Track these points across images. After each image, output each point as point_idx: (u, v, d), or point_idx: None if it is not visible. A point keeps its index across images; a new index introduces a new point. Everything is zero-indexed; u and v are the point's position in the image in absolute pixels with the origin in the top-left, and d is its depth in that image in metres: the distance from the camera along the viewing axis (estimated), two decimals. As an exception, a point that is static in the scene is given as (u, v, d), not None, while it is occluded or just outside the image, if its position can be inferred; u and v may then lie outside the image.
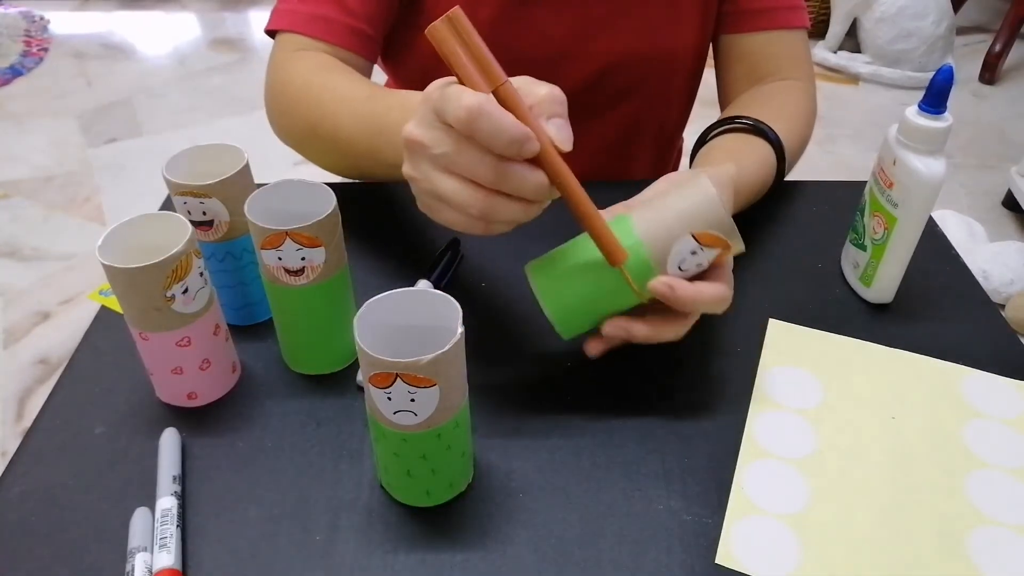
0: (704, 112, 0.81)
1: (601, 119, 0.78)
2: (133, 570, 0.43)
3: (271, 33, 0.69)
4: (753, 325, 0.60)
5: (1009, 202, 1.87)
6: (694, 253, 0.48)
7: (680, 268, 0.49)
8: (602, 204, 0.72)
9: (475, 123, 0.40)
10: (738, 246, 0.49)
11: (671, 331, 0.50)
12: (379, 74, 0.83)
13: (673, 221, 0.48)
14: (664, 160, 0.86)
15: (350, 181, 0.86)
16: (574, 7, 0.71)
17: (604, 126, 0.79)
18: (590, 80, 0.74)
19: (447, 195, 0.43)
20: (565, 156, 0.44)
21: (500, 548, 0.45)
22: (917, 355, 0.58)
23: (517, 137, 0.40)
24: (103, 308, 0.61)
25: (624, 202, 0.53)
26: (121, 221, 0.48)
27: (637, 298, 0.49)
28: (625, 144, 0.81)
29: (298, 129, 0.66)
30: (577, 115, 0.77)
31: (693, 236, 0.48)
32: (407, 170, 0.46)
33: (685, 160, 0.93)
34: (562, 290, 0.50)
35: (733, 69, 0.78)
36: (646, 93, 0.78)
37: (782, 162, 0.67)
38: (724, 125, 0.68)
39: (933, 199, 0.56)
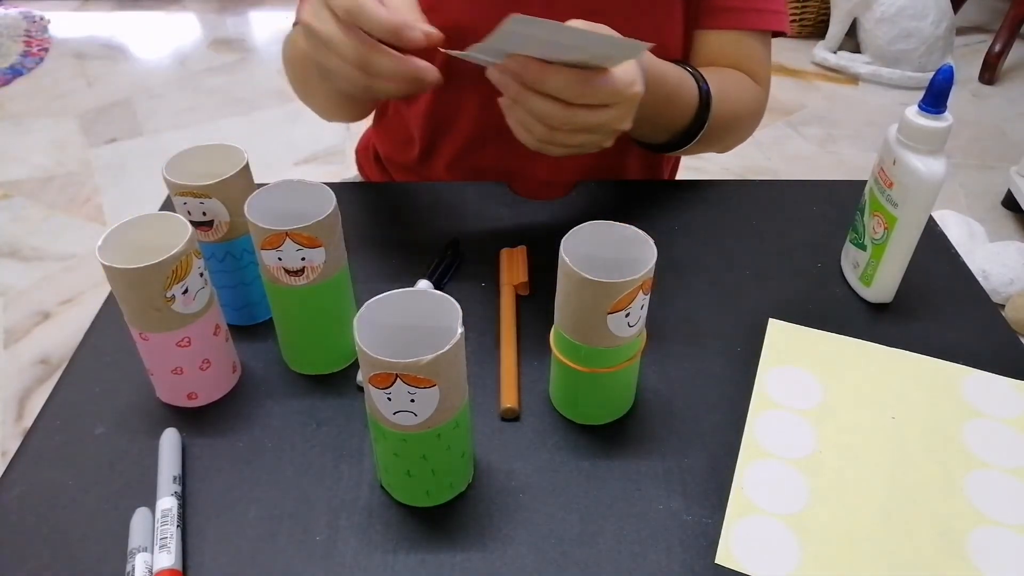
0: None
1: None
2: (133, 570, 0.43)
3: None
4: (753, 325, 0.60)
5: (1009, 202, 1.87)
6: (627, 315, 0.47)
7: (630, 325, 0.48)
8: (599, 204, 0.73)
9: (355, 17, 0.49)
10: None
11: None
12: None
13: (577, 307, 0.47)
14: (655, 159, 0.86)
15: (350, 181, 0.87)
16: (565, 2, 0.71)
17: None
18: None
19: (329, 71, 0.53)
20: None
21: (500, 548, 0.45)
22: (917, 355, 0.58)
23: (393, 27, 0.49)
24: (103, 308, 0.61)
25: None
26: (121, 221, 0.48)
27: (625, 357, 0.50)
28: (622, 140, 0.81)
29: (295, 77, 0.75)
30: None
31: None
32: (303, 45, 0.54)
33: (681, 161, 0.93)
34: (579, 410, 0.53)
35: (697, 64, 0.78)
36: None
37: (704, 111, 0.68)
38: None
39: (933, 199, 0.56)
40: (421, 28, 0.50)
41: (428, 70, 0.53)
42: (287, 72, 0.76)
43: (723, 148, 0.79)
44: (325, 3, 0.51)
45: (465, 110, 0.76)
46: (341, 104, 0.73)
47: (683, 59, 0.79)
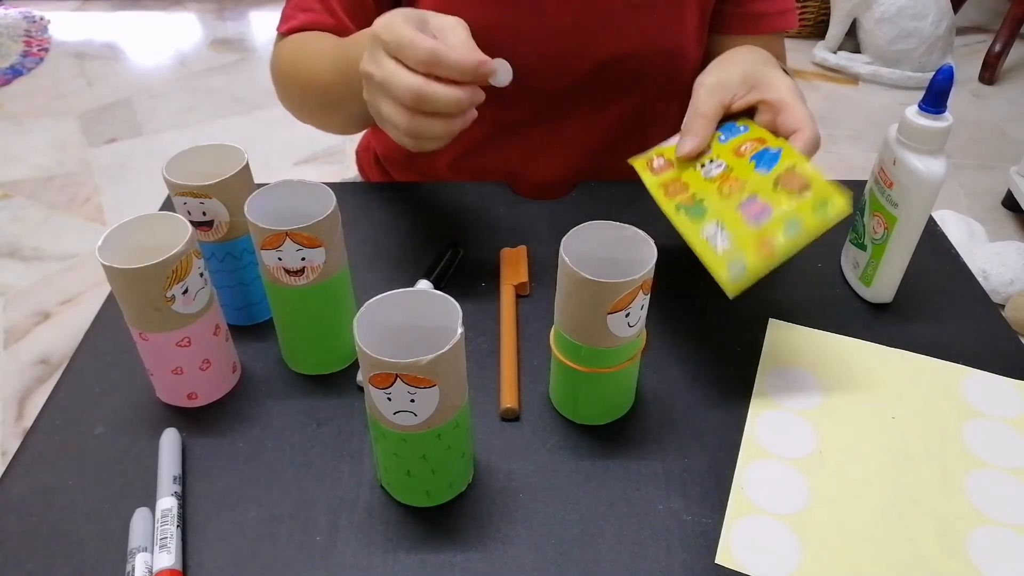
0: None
1: (603, 114, 0.78)
2: (133, 570, 0.43)
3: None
4: (753, 325, 0.60)
5: (1009, 202, 1.87)
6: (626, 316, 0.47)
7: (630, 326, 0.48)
8: (599, 204, 0.73)
9: (435, 67, 0.49)
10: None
11: None
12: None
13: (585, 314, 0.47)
14: None
15: (350, 181, 0.87)
16: (572, 2, 0.71)
17: (605, 121, 0.79)
18: (594, 74, 0.74)
19: (385, 116, 0.52)
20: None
21: (500, 548, 0.45)
22: (917, 355, 0.58)
23: (472, 67, 0.49)
24: (103, 308, 0.61)
25: None
26: (121, 221, 0.48)
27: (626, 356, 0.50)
28: (625, 140, 0.81)
29: (296, 94, 0.72)
30: (580, 109, 0.77)
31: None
32: (364, 95, 0.54)
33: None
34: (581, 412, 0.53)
35: None
36: (649, 89, 0.78)
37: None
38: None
39: (933, 199, 0.56)
40: (494, 62, 0.51)
41: (472, 114, 0.53)
42: (289, 87, 0.73)
43: None
44: (385, 51, 0.50)
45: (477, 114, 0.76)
46: (361, 123, 0.73)
47: (702, 58, 0.79)
